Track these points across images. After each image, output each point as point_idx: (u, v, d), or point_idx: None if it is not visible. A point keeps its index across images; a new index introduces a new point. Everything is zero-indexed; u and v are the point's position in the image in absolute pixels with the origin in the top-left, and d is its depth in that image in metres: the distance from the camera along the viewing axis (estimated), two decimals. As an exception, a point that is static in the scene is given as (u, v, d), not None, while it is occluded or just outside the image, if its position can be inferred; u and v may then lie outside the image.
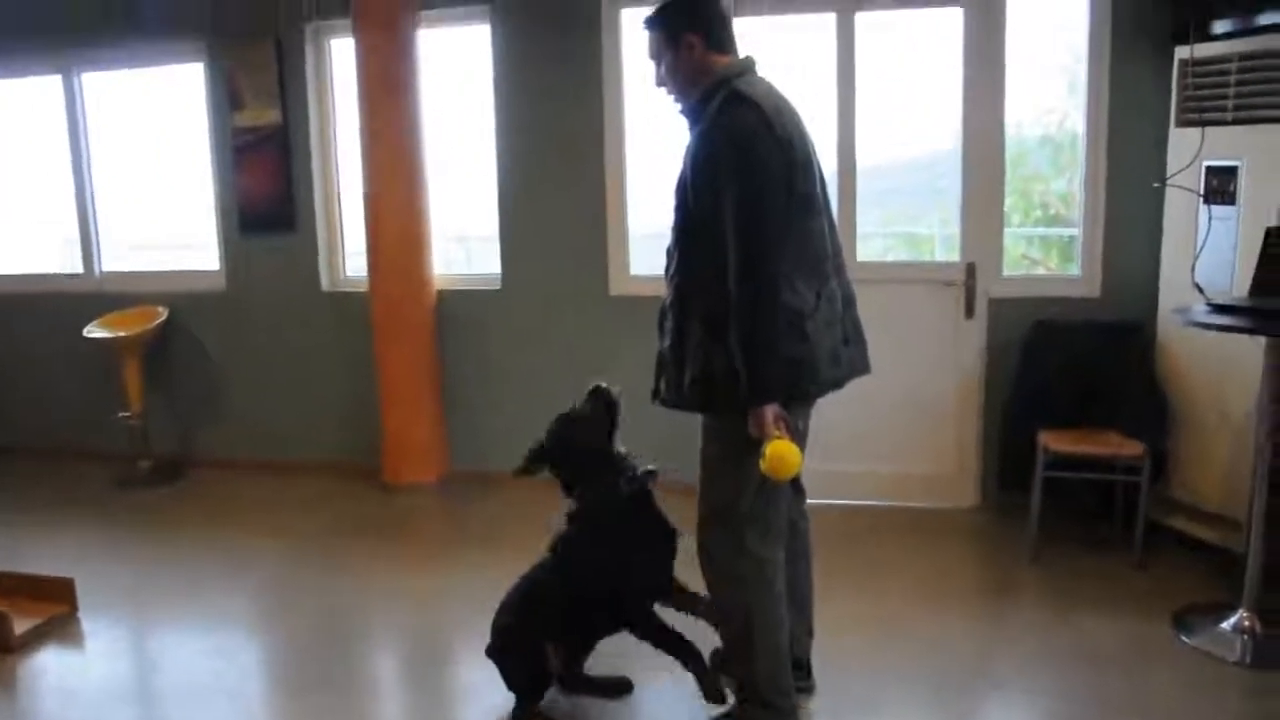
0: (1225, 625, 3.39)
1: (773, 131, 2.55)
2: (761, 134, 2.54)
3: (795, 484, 2.88)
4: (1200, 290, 3.63)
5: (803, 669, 3.03)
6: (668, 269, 2.78)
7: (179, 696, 3.31)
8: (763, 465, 2.52)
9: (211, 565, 4.41)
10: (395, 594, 4.09)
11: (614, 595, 2.94)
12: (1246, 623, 3.35)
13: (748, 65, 2.72)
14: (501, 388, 5.32)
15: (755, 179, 2.52)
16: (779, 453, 2.50)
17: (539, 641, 2.98)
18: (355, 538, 4.69)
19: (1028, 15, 4.51)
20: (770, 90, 2.68)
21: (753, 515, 2.71)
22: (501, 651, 3.04)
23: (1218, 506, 3.95)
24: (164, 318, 5.67)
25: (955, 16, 4.49)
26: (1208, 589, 3.73)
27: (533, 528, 4.76)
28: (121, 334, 5.56)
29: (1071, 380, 4.28)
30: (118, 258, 6.17)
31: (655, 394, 2.87)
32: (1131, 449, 3.96)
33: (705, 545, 2.78)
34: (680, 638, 2.93)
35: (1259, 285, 3.45)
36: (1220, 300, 3.51)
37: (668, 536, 2.96)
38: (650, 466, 2.99)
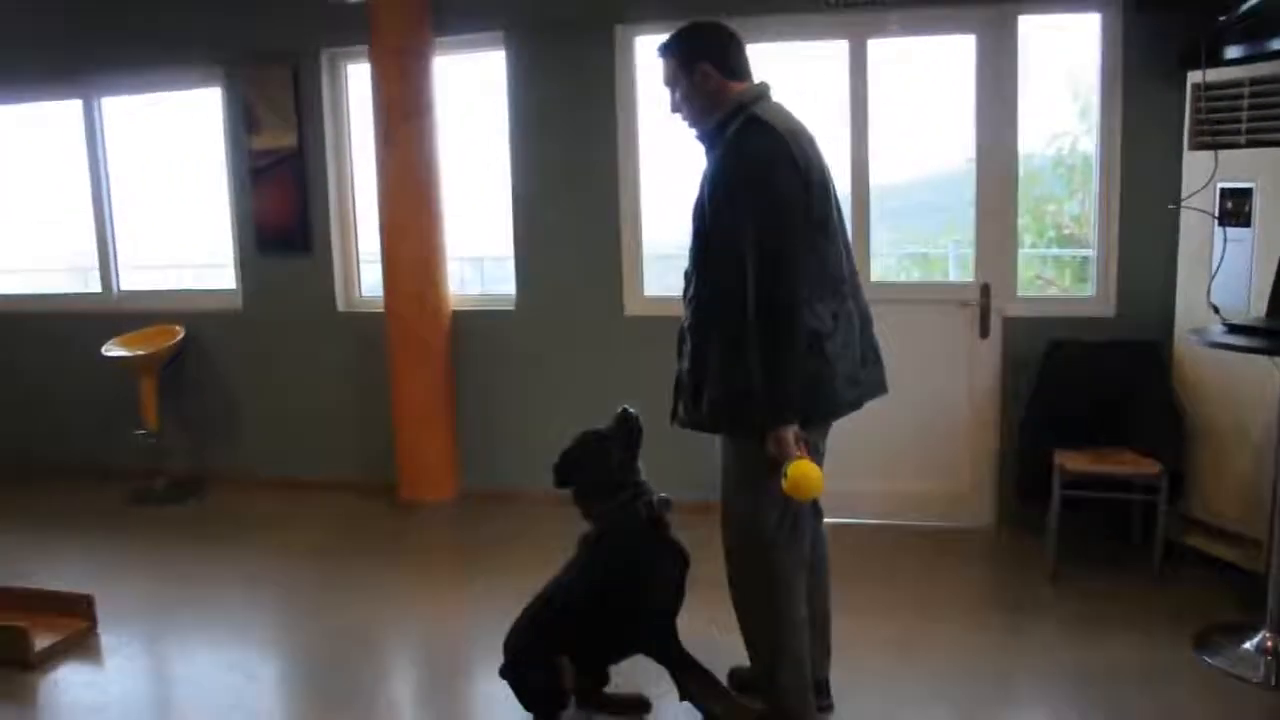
0: (1248, 646, 3.37)
1: (789, 156, 2.58)
2: (778, 159, 2.56)
3: (814, 505, 2.88)
4: (1217, 311, 3.64)
5: (822, 690, 3.03)
6: (686, 292, 2.81)
7: (199, 713, 3.31)
8: (785, 486, 2.54)
9: (228, 582, 4.42)
10: (410, 611, 4.10)
11: (628, 615, 2.95)
12: (1269, 643, 3.33)
13: (762, 91, 2.74)
14: (516, 407, 5.34)
15: (773, 203, 2.54)
16: (801, 473, 2.51)
17: (553, 658, 2.98)
18: (370, 555, 4.70)
19: (1040, 40, 4.55)
20: (786, 115, 2.72)
21: (775, 538, 2.72)
22: (514, 668, 3.04)
23: (1237, 525, 3.94)
24: (181, 337, 5.71)
25: (968, 43, 4.53)
26: (1228, 608, 3.72)
27: (545, 546, 4.76)
28: (139, 353, 5.59)
29: (1087, 399, 4.29)
30: (136, 278, 6.21)
31: (673, 415, 2.90)
32: (1148, 468, 3.96)
33: (730, 567, 2.79)
34: (699, 667, 2.92)
35: (1276, 306, 3.46)
36: (1237, 321, 3.52)
37: (680, 561, 2.97)
38: (664, 495, 3.02)
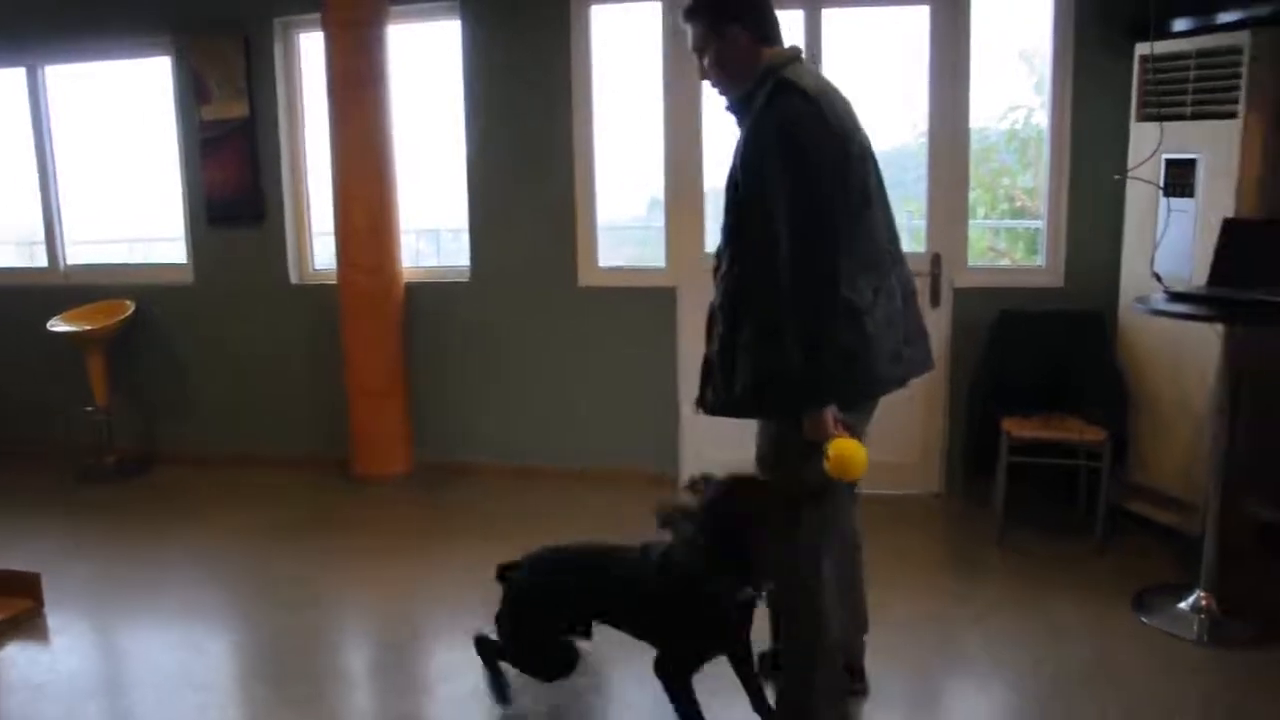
0: (1183, 605, 3.46)
1: (825, 122, 2.44)
2: (814, 125, 2.43)
3: (850, 487, 2.73)
4: (1160, 280, 3.71)
5: (856, 672, 3.01)
6: (717, 269, 2.68)
7: (148, 688, 3.30)
8: (827, 466, 2.39)
9: (179, 559, 4.39)
10: (365, 584, 4.09)
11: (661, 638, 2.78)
12: (1204, 602, 3.43)
13: (794, 54, 2.60)
14: (470, 379, 5.33)
15: (809, 171, 2.40)
16: (844, 452, 2.38)
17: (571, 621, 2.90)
18: (324, 530, 4.68)
19: (993, 12, 4.57)
20: (820, 79, 2.58)
21: (811, 524, 2.60)
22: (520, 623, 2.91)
23: (1177, 490, 4.03)
24: (130, 311, 5.63)
25: (922, 14, 4.55)
26: (1167, 570, 3.82)
27: (500, 518, 4.78)
28: (87, 328, 5.50)
29: (1035, 368, 4.36)
30: (84, 252, 6.10)
31: (701, 400, 2.75)
32: (1093, 435, 4.04)
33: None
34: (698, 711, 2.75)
35: (1216, 275, 3.52)
36: (1179, 289, 3.58)
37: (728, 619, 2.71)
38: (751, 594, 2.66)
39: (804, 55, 2.62)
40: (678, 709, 2.73)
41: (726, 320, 2.61)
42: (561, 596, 2.88)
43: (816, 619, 2.65)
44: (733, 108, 2.64)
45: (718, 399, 2.67)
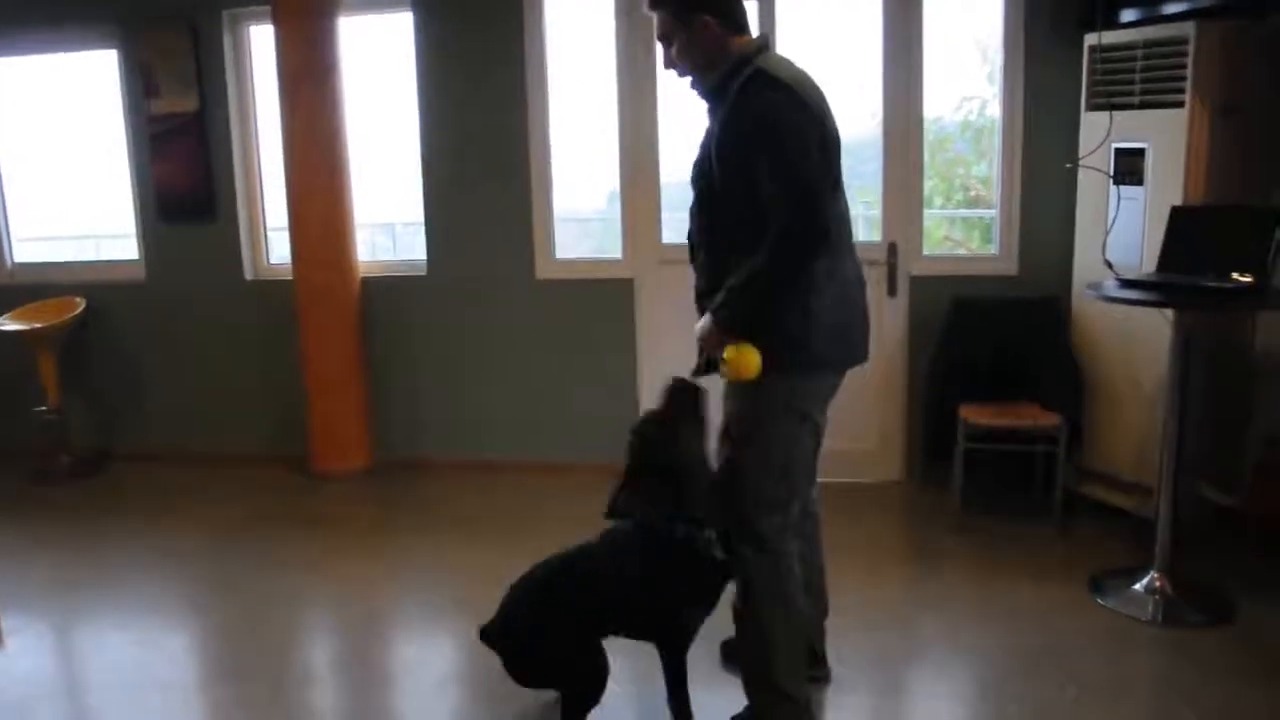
0: (1138, 586, 3.53)
1: (806, 109, 2.47)
2: (793, 113, 2.44)
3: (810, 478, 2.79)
4: (1111, 266, 3.76)
5: (817, 657, 3.02)
6: (694, 257, 2.72)
7: (107, 689, 3.25)
8: (724, 370, 2.53)
9: (135, 558, 4.33)
10: (324, 581, 4.05)
11: (647, 603, 2.74)
12: (1157, 584, 3.50)
13: (764, 43, 2.61)
14: (428, 374, 5.31)
15: (794, 156, 2.41)
16: (738, 352, 2.48)
17: (591, 637, 2.77)
18: (283, 527, 4.63)
19: (945, 2, 4.61)
20: (794, 69, 2.58)
21: (774, 503, 2.61)
22: (531, 646, 2.79)
23: (1131, 474, 4.10)
24: (81, 309, 5.52)
25: (874, 2, 4.57)
26: (1123, 553, 3.88)
27: (460, 513, 4.76)
28: (36, 326, 5.40)
29: (991, 355, 4.41)
30: (32, 249, 5.99)
31: (696, 370, 2.75)
32: (1048, 420, 4.10)
33: (723, 530, 2.66)
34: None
35: (1165, 261, 3.59)
36: (1129, 276, 3.64)
37: (714, 574, 2.74)
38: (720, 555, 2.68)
39: (771, 43, 2.64)
40: (678, 703, 2.75)
41: (708, 306, 2.60)
42: (552, 625, 2.74)
43: (781, 587, 2.65)
44: (703, 95, 2.63)
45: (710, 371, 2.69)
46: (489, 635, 2.82)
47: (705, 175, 2.59)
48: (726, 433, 2.68)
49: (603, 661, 2.73)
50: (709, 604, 2.77)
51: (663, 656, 2.78)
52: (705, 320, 2.58)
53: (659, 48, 2.68)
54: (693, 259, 2.75)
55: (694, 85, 2.64)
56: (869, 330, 2.74)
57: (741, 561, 2.65)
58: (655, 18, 2.62)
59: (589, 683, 2.72)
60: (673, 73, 2.67)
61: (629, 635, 2.83)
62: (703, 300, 2.68)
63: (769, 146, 2.42)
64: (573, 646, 2.73)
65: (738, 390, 2.62)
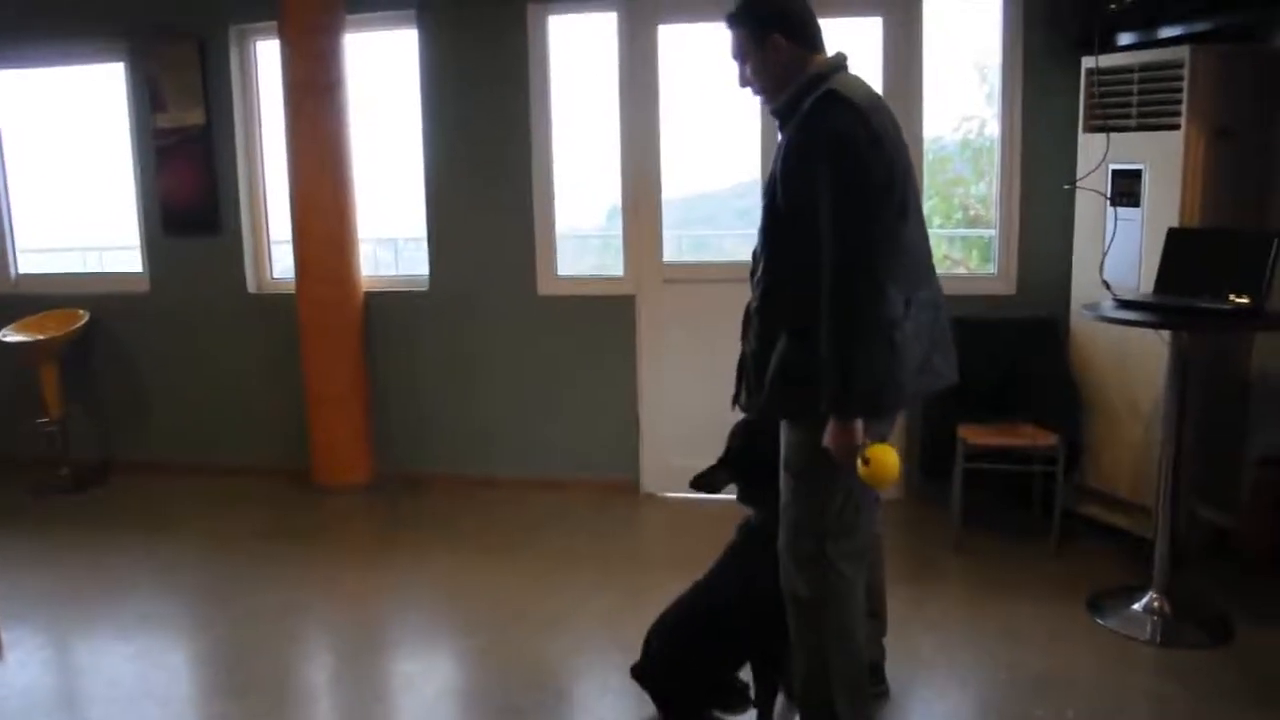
0: (1136, 606, 3.54)
1: (871, 132, 2.43)
2: (860, 134, 2.42)
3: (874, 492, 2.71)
4: (1108, 287, 3.79)
5: (877, 673, 3.03)
6: (754, 272, 2.67)
7: (107, 702, 3.26)
8: (862, 472, 2.38)
9: (136, 571, 4.33)
10: (325, 595, 4.06)
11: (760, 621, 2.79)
12: (1156, 604, 3.51)
13: (839, 62, 2.59)
14: (430, 389, 5.32)
15: (854, 179, 2.39)
16: (880, 458, 2.36)
17: (722, 674, 2.92)
18: (284, 540, 4.64)
19: (945, 25, 4.65)
20: (866, 89, 2.56)
21: (839, 530, 2.56)
22: (666, 679, 2.93)
23: (1129, 494, 4.12)
24: (84, 321, 5.54)
25: (875, 26, 4.62)
26: (1121, 573, 3.89)
27: (460, 529, 4.77)
28: (39, 338, 5.42)
29: (990, 374, 4.42)
30: (36, 261, 6.01)
31: (736, 399, 2.76)
32: (1046, 440, 4.11)
33: (787, 562, 2.63)
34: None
35: (1162, 282, 3.62)
36: (1127, 296, 3.67)
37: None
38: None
39: (848, 63, 2.61)
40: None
41: (761, 322, 2.62)
42: (701, 660, 2.88)
43: (845, 615, 2.63)
44: (775, 113, 2.63)
45: (750, 400, 2.68)
46: (639, 675, 2.96)
47: (770, 193, 2.60)
48: (788, 464, 2.65)
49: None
50: None
51: (761, 682, 2.86)
52: (831, 428, 2.44)
53: (734, 65, 2.65)
54: (752, 275, 2.71)
55: (767, 102, 2.65)
56: (952, 351, 2.70)
57: (807, 587, 2.62)
58: (730, 36, 2.63)
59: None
60: (747, 90, 2.66)
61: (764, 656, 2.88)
62: (749, 318, 2.68)
63: (836, 172, 2.40)
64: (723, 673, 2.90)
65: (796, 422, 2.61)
